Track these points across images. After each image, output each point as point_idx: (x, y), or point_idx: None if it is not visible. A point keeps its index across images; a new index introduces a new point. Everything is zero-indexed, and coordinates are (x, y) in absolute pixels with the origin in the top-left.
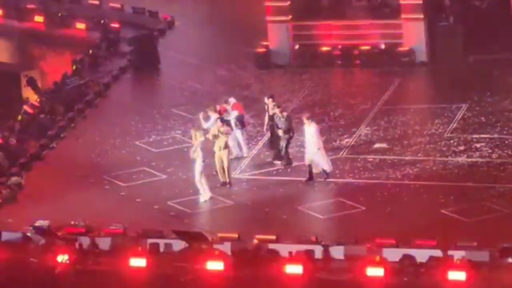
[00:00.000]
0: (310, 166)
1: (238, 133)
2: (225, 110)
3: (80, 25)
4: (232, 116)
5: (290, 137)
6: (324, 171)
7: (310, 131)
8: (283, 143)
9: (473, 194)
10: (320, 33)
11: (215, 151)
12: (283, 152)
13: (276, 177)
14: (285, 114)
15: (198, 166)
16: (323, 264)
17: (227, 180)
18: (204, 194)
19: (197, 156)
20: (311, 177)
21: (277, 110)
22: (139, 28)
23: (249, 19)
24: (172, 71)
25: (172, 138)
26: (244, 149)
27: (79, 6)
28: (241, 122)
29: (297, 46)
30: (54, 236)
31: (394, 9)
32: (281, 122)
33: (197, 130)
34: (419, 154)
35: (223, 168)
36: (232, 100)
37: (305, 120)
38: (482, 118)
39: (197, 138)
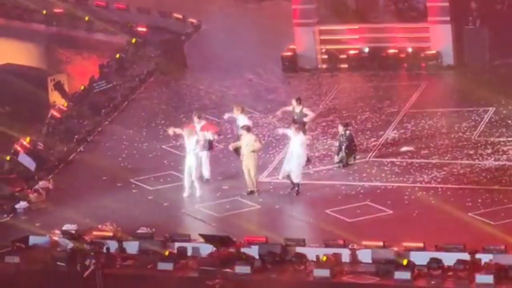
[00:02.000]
0: (288, 177)
1: (204, 154)
2: (193, 128)
3: (107, 29)
4: (207, 136)
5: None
6: (291, 181)
7: (297, 140)
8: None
9: (501, 197)
10: (347, 37)
11: (242, 159)
12: (344, 162)
13: (303, 181)
14: (347, 132)
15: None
16: (351, 268)
17: (254, 189)
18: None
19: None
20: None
21: (341, 129)
22: (166, 32)
23: (276, 23)
24: (199, 75)
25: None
26: (206, 172)
27: (106, 10)
28: (210, 144)
29: (324, 50)
30: (82, 240)
31: (421, 12)
32: (343, 139)
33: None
34: (446, 157)
35: (249, 175)
36: (203, 120)
37: (293, 130)
38: (509, 121)
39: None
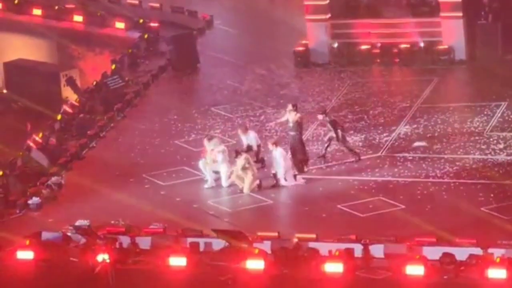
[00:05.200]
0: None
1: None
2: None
3: (119, 25)
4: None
5: (331, 139)
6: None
7: (276, 155)
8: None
9: None
10: (359, 32)
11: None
12: (323, 152)
13: (316, 176)
14: (327, 119)
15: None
16: (363, 263)
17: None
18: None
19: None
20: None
21: (320, 117)
22: (178, 27)
23: (288, 18)
24: (211, 70)
25: None
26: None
27: (118, 6)
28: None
29: (336, 45)
30: (94, 235)
31: (433, 7)
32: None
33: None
34: (459, 152)
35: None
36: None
37: (270, 146)
38: None
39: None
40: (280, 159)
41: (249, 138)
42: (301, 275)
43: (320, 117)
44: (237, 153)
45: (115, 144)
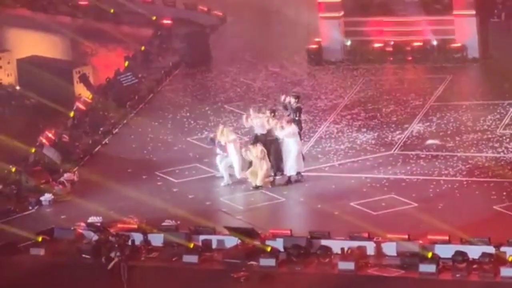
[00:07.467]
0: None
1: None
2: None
3: (133, 22)
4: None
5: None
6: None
7: (290, 132)
8: None
9: None
10: (372, 30)
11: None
12: None
13: (328, 173)
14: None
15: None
16: (376, 261)
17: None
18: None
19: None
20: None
21: (292, 100)
22: (191, 24)
23: (301, 16)
24: (224, 68)
25: None
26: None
27: (132, 2)
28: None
29: (349, 43)
30: (107, 232)
31: (446, 5)
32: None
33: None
34: (472, 150)
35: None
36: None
37: (284, 123)
38: None
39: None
40: (291, 134)
41: (256, 122)
42: (313, 273)
43: (293, 100)
44: (254, 142)
45: (127, 141)
